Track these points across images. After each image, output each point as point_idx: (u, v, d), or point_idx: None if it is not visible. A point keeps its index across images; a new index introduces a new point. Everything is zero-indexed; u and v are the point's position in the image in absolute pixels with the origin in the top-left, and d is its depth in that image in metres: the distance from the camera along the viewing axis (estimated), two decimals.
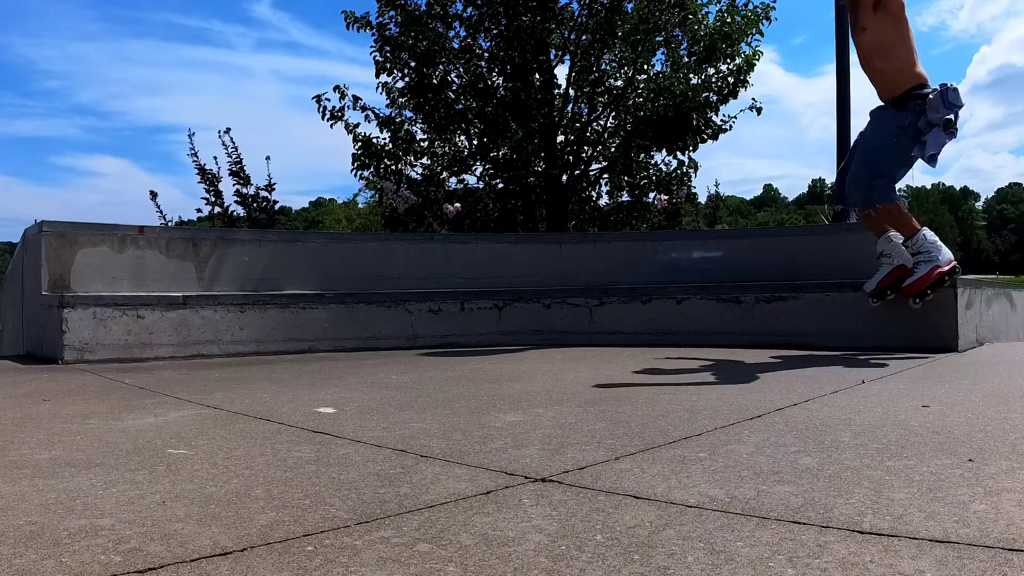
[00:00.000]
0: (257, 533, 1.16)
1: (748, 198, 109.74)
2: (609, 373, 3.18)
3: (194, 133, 6.52)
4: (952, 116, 3.45)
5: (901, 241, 3.66)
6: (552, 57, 8.24)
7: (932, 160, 3.53)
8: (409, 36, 7.76)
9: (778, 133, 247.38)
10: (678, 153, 8.05)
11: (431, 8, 7.94)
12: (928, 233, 3.61)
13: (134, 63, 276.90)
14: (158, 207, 6.38)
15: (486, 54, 8.13)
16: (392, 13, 7.87)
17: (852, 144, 3.93)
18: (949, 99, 3.43)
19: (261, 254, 4.67)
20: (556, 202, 8.17)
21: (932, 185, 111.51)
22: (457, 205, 7.48)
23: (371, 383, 2.96)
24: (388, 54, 7.84)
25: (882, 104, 3.66)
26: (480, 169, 8.40)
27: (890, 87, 3.57)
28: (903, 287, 3.64)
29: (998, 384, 2.66)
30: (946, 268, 3.59)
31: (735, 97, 7.83)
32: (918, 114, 3.47)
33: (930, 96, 3.46)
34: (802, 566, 1.00)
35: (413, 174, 8.32)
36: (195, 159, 6.45)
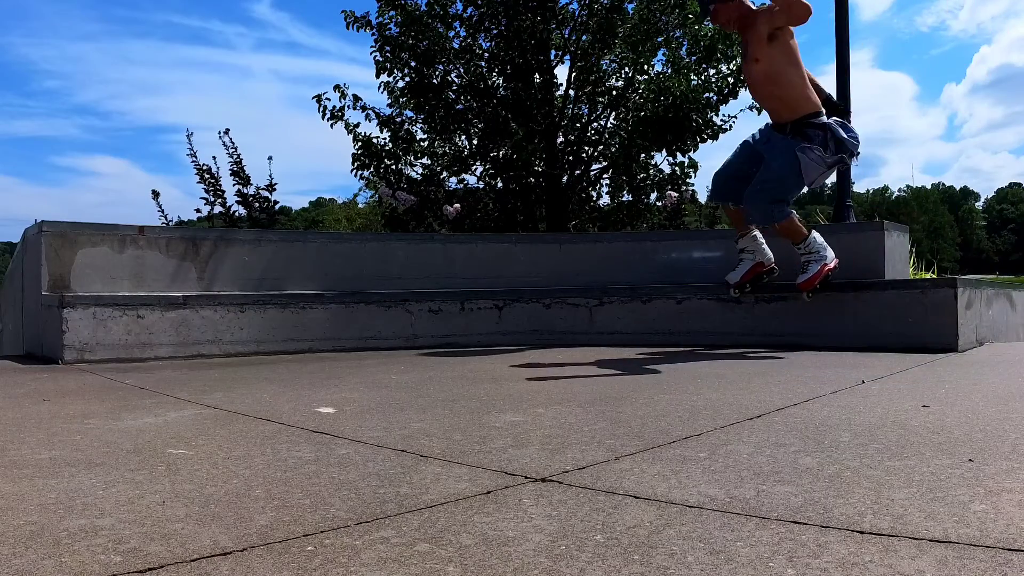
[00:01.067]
0: (257, 533, 1.16)
1: None
2: (609, 373, 3.18)
3: (192, 133, 6.50)
4: (851, 153, 3.84)
5: (763, 243, 4.10)
6: (552, 57, 8.24)
7: (814, 185, 3.99)
8: (409, 36, 7.76)
9: None
10: (678, 153, 8.05)
11: (431, 8, 7.94)
12: (817, 236, 3.96)
13: (134, 63, 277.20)
14: (159, 207, 6.37)
15: (486, 54, 8.12)
16: (392, 13, 7.86)
17: (741, 149, 4.10)
18: (848, 143, 3.81)
19: (261, 254, 4.67)
20: (556, 202, 8.17)
21: (932, 185, 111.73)
22: (457, 206, 7.47)
23: (371, 383, 2.96)
24: (388, 54, 7.84)
25: (774, 124, 3.93)
26: (480, 169, 8.40)
27: (787, 114, 3.84)
28: (798, 283, 3.96)
29: (998, 384, 2.66)
30: (832, 265, 3.98)
31: (735, 97, 7.82)
32: (818, 145, 3.78)
33: (833, 136, 3.78)
34: (802, 566, 1.00)
35: (413, 174, 8.32)
36: (194, 160, 6.44)
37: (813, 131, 3.78)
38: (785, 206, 3.86)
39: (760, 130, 4.10)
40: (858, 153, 3.92)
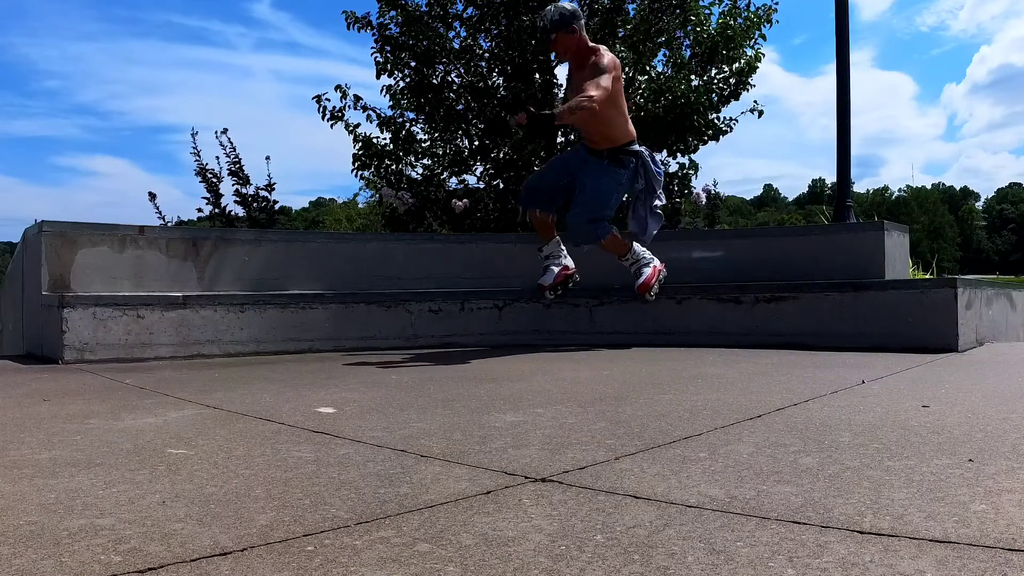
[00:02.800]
0: (257, 533, 1.16)
1: (748, 198, 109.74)
2: (609, 373, 3.19)
3: (197, 132, 6.49)
4: (656, 181, 4.22)
5: (565, 249, 4.37)
6: (552, 57, 8.23)
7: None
8: (409, 36, 7.75)
9: (778, 133, 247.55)
10: (679, 154, 8.04)
11: (431, 8, 7.93)
12: (638, 246, 4.31)
13: (134, 63, 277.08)
14: (157, 208, 6.36)
15: (487, 54, 8.12)
16: (393, 13, 7.85)
17: (556, 163, 4.46)
18: (654, 173, 4.19)
19: (261, 254, 4.66)
20: None
21: (932, 185, 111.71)
22: (466, 200, 7.48)
23: (371, 383, 2.96)
24: (388, 54, 7.83)
25: (590, 148, 4.18)
26: (480, 169, 8.39)
27: (606, 143, 4.12)
28: (638, 285, 4.27)
29: (998, 384, 2.66)
30: (661, 267, 4.36)
31: (736, 99, 7.81)
32: (633, 172, 4.15)
33: (643, 164, 4.15)
34: (802, 566, 1.00)
35: (413, 174, 8.31)
36: (197, 159, 6.43)
37: (627, 158, 4.14)
38: (606, 223, 4.15)
39: (575, 149, 4.44)
40: (661, 186, 4.31)
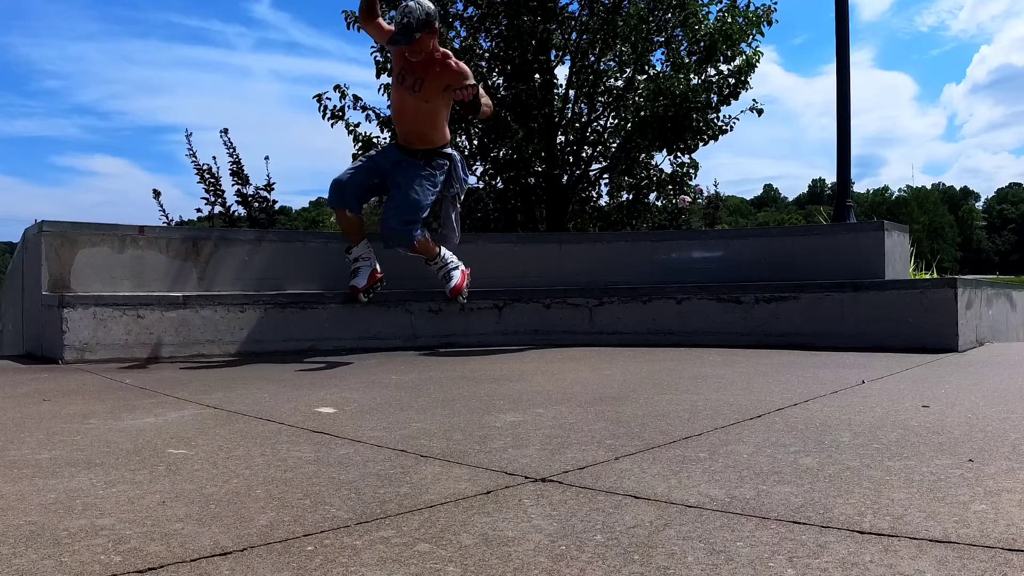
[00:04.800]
0: (257, 533, 1.16)
1: (748, 198, 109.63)
2: (609, 373, 3.18)
3: (191, 133, 6.47)
4: (462, 187, 4.30)
5: (373, 252, 4.31)
6: (552, 57, 8.23)
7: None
8: None
9: (778, 133, 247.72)
10: (679, 154, 8.04)
11: None
12: (445, 251, 4.32)
13: (134, 63, 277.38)
14: (161, 206, 6.35)
15: (486, 54, 8.12)
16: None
17: (366, 162, 4.30)
18: (461, 179, 4.26)
19: (261, 254, 4.66)
20: (556, 202, 8.16)
21: (932, 185, 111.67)
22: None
23: (371, 383, 2.96)
24: (388, 54, 7.83)
25: (405, 149, 4.16)
26: (480, 169, 8.40)
27: (424, 145, 4.14)
28: (449, 289, 4.28)
29: (998, 384, 2.66)
30: (468, 271, 4.37)
31: (736, 99, 7.81)
32: (447, 175, 4.18)
33: (454, 167, 4.20)
34: (802, 566, 1.00)
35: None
36: (193, 160, 6.42)
37: (442, 160, 4.16)
38: (420, 226, 4.10)
39: (386, 149, 4.38)
40: (463, 191, 4.38)
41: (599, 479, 1.46)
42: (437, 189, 4.16)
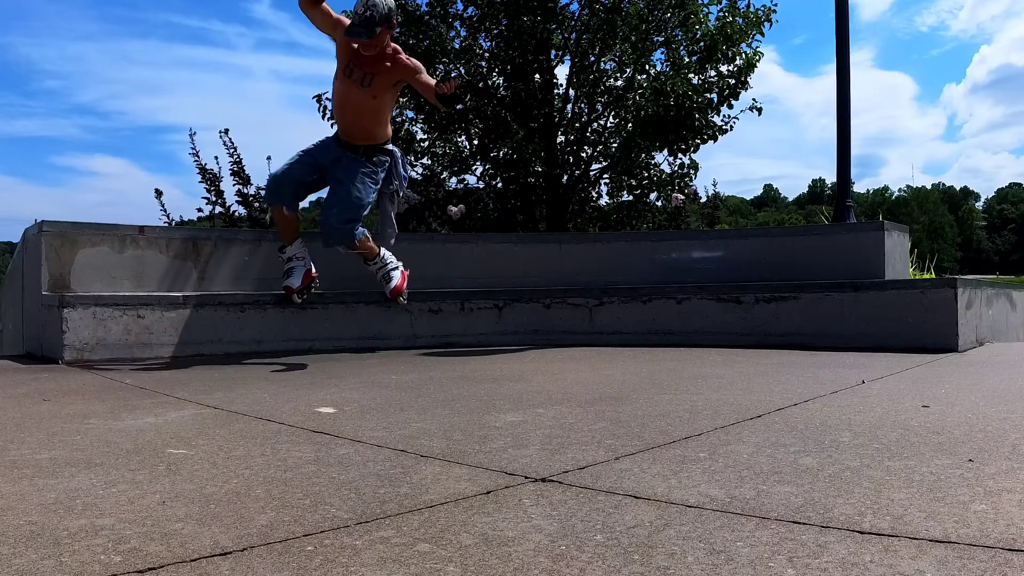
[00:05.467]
0: (257, 533, 1.16)
1: (748, 198, 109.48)
2: (609, 373, 3.18)
3: (195, 132, 6.48)
4: (401, 184, 4.25)
5: (307, 251, 4.21)
6: (552, 57, 8.23)
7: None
8: (410, 36, 7.76)
9: (778, 133, 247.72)
10: (679, 154, 8.04)
11: (432, 8, 7.93)
12: (385, 251, 4.24)
13: (134, 63, 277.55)
14: (162, 205, 6.34)
15: (486, 54, 8.12)
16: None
17: (303, 157, 4.12)
18: (402, 176, 4.23)
19: (261, 254, 4.66)
20: (556, 202, 8.16)
21: (932, 185, 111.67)
22: (461, 207, 7.47)
23: (371, 383, 2.96)
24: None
25: (347, 144, 4.06)
26: (480, 169, 8.40)
27: (366, 141, 4.06)
28: (390, 290, 4.19)
29: (998, 384, 2.66)
30: (407, 272, 4.28)
31: (736, 99, 7.81)
32: (388, 171, 4.12)
33: (395, 164, 4.16)
34: (802, 566, 1.00)
35: (414, 174, 8.31)
36: (196, 159, 6.42)
37: (381, 156, 4.08)
38: (360, 224, 4.02)
39: (324, 142, 4.17)
40: (405, 190, 4.35)
41: (599, 479, 1.46)
42: (378, 187, 4.10)
